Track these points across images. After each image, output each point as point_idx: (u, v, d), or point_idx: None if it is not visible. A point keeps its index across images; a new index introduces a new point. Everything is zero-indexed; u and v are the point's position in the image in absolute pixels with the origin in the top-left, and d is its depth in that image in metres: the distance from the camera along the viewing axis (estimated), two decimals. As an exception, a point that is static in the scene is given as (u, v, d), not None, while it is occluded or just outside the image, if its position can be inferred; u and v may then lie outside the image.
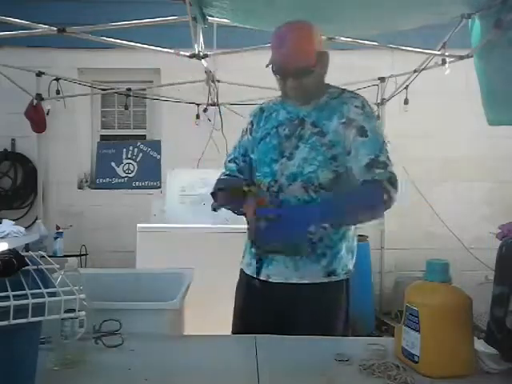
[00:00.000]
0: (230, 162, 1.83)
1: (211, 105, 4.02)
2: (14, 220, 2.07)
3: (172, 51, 3.21)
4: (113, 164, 4.65)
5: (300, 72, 1.54)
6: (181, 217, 3.51)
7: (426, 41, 3.14)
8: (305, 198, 1.58)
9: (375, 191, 1.51)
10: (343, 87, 1.70)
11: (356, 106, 1.60)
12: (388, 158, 1.57)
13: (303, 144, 1.60)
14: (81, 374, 1.18)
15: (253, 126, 1.76)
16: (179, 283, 1.77)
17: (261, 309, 1.64)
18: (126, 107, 4.27)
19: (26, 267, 1.02)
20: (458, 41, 2.83)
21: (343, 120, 1.58)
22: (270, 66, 1.58)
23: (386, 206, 1.52)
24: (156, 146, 4.65)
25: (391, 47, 3.26)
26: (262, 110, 1.76)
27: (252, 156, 1.74)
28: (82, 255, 4.02)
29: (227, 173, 1.82)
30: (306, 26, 1.58)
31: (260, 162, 1.69)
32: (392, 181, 1.53)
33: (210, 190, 1.82)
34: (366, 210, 1.54)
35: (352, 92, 1.69)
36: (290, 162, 1.61)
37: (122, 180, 4.63)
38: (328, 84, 1.67)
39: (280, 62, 1.55)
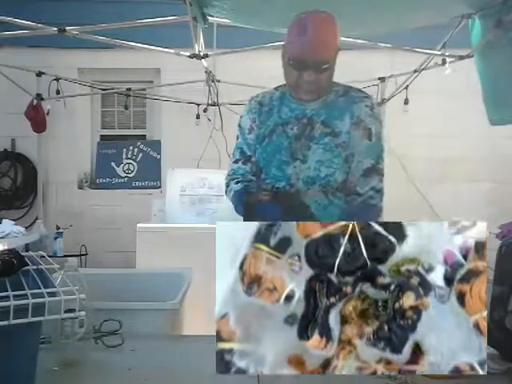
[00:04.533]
0: (236, 162, 1.69)
1: (211, 105, 4.03)
2: (14, 220, 2.07)
3: (172, 51, 3.21)
4: (113, 164, 4.65)
5: (321, 64, 1.47)
6: (181, 217, 3.52)
7: (426, 41, 3.14)
8: (324, 203, 1.55)
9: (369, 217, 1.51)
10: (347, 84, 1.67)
11: (366, 106, 1.57)
12: (383, 166, 1.58)
13: (315, 145, 1.54)
14: (81, 373, 1.18)
15: (255, 122, 1.65)
16: (179, 283, 1.77)
17: None
18: (126, 107, 4.27)
19: (26, 267, 1.02)
20: (458, 41, 2.83)
21: (354, 120, 1.55)
22: (284, 58, 1.52)
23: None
24: (156, 146, 4.65)
25: (391, 47, 3.26)
26: (260, 104, 1.66)
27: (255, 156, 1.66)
28: (82, 255, 4.02)
29: (240, 178, 1.67)
30: (331, 17, 1.50)
31: (267, 164, 1.61)
32: (381, 199, 1.57)
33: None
34: None
35: (359, 90, 1.65)
36: (304, 165, 1.55)
37: (122, 180, 4.63)
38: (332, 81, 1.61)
39: (304, 52, 1.46)
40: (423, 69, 3.38)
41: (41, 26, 2.86)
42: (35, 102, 4.09)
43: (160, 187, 4.49)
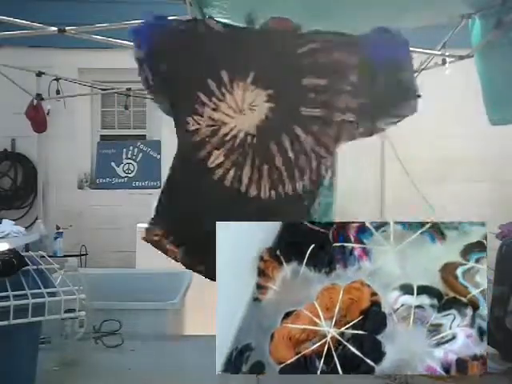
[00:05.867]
0: None
1: (211, 105, 4.01)
2: (14, 220, 2.06)
3: (172, 51, 3.20)
4: (113, 164, 4.65)
5: None
6: (181, 217, 3.51)
7: (426, 41, 3.13)
8: None
9: None
10: None
11: None
12: None
13: None
14: (81, 374, 1.18)
15: None
16: (179, 283, 1.78)
17: None
18: (126, 107, 4.26)
19: (26, 267, 1.02)
20: (458, 41, 2.82)
21: None
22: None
23: None
24: (156, 146, 4.65)
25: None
26: None
27: None
28: (82, 255, 4.02)
29: None
30: None
31: None
32: None
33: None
34: None
35: None
36: None
37: (122, 180, 4.63)
38: None
39: None
40: (423, 69, 3.37)
41: (41, 26, 2.85)
42: (35, 102, 4.08)
43: (160, 187, 4.48)
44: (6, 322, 0.89)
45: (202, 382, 1.14)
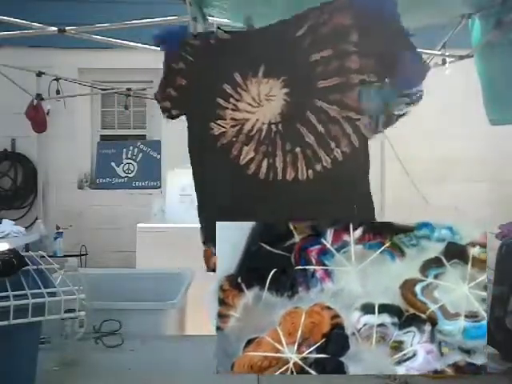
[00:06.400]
0: None
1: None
2: (14, 220, 2.06)
3: (172, 51, 3.20)
4: (113, 164, 4.65)
5: None
6: (181, 217, 3.51)
7: (426, 41, 3.13)
8: None
9: None
10: None
11: None
12: None
13: None
14: (81, 374, 1.18)
15: None
16: (179, 283, 1.78)
17: None
18: (126, 107, 4.26)
19: (26, 267, 1.02)
20: (458, 41, 2.82)
21: None
22: None
23: None
24: (156, 146, 4.65)
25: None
26: None
27: None
28: (82, 255, 4.02)
29: None
30: None
31: None
32: None
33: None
34: None
35: None
36: None
37: (122, 180, 4.63)
38: None
39: None
40: (423, 69, 3.37)
41: (41, 26, 2.85)
42: (35, 102, 4.08)
43: (160, 187, 4.49)
44: (6, 322, 0.89)
45: (202, 382, 1.14)
